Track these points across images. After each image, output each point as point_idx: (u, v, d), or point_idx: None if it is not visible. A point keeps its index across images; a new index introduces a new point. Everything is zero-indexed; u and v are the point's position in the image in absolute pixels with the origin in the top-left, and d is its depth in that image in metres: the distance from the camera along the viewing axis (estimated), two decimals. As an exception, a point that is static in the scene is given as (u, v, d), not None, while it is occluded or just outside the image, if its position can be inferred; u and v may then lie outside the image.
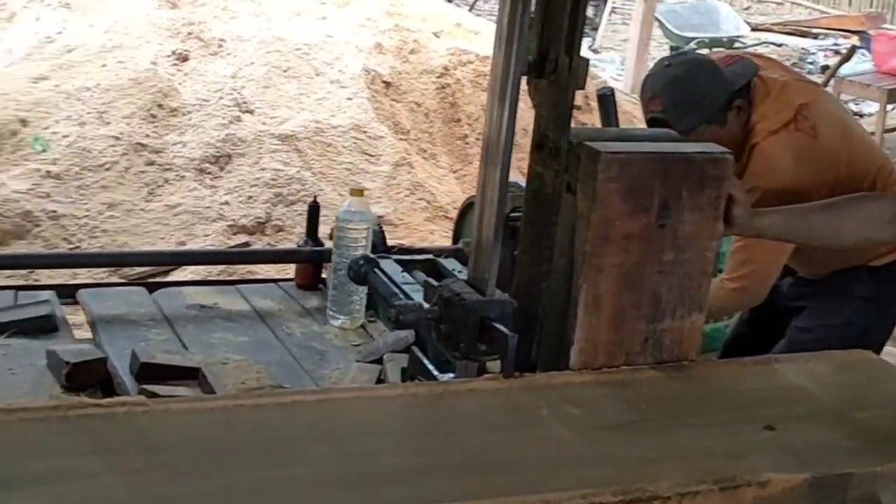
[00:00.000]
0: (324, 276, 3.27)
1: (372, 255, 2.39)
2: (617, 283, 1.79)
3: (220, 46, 6.54)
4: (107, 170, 5.44)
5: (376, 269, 2.16)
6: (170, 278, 4.30)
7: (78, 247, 4.89)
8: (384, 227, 3.28)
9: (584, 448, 1.55)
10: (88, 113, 5.72)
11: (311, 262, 3.30)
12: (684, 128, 2.54)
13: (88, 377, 2.48)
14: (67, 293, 3.11)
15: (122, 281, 3.49)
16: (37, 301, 2.93)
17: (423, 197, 5.95)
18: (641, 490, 1.43)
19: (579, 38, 1.79)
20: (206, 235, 5.21)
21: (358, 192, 3.05)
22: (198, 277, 4.02)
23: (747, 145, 2.73)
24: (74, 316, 3.10)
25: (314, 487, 1.37)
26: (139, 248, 4.93)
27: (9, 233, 4.86)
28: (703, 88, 2.71)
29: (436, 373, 2.17)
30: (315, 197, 3.55)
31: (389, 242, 3.18)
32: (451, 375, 2.07)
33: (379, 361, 2.71)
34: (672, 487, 1.44)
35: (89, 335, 2.90)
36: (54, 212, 5.05)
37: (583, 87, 1.82)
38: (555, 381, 1.76)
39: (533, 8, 1.76)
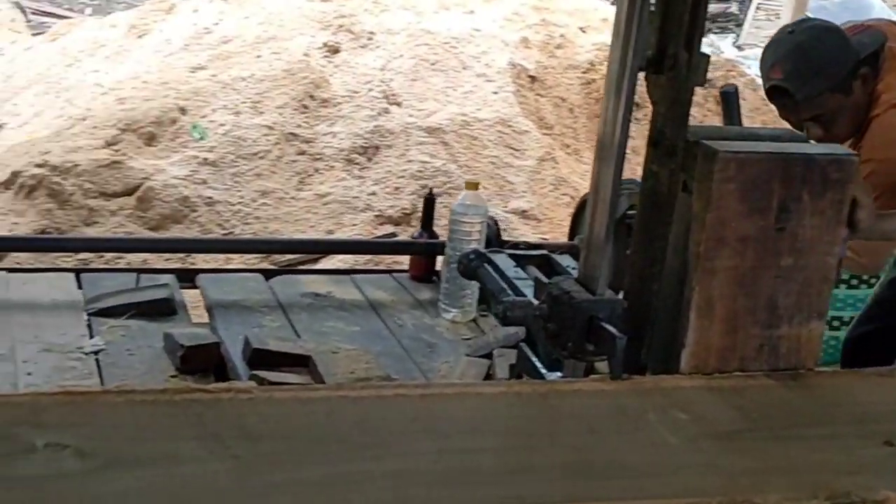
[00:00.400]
0: (438, 268, 3.27)
1: (483, 250, 2.37)
2: (731, 286, 1.74)
3: (370, 39, 6.64)
4: (260, 158, 5.58)
5: (486, 265, 2.14)
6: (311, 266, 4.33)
7: (231, 232, 5.02)
8: (528, 221, 3.26)
9: (690, 455, 1.50)
10: (243, 102, 5.89)
11: (425, 254, 3.30)
12: (805, 95, 2.45)
13: (202, 361, 2.53)
14: (187, 277, 3.18)
15: (240, 267, 3.55)
16: (157, 284, 3.00)
17: (566, 192, 5.91)
18: (748, 502, 1.38)
19: (700, 33, 1.74)
20: (354, 225, 5.29)
21: (473, 185, 3.04)
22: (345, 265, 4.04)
23: (868, 116, 2.63)
24: (193, 300, 3.17)
25: (411, 483, 1.36)
26: (289, 236, 5.02)
27: (168, 217, 5.04)
28: (828, 55, 2.61)
29: (543, 371, 2.14)
30: (431, 189, 3.55)
31: (531, 238, 3.15)
32: (559, 375, 2.04)
33: (489, 356, 2.69)
34: (780, 501, 1.39)
35: (206, 319, 2.95)
36: (210, 198, 5.21)
37: (703, 84, 1.77)
38: (664, 385, 1.71)
39: (653, 1, 1.72)
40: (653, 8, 1.74)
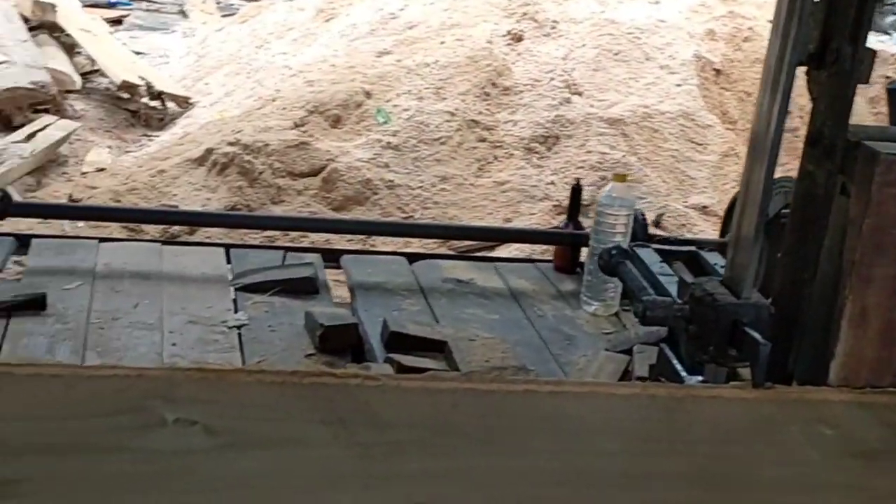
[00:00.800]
0: (582, 260, 3.21)
1: (625, 247, 2.31)
2: (888, 296, 1.64)
3: (553, 28, 6.62)
4: (441, 144, 5.62)
5: (627, 261, 2.09)
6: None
7: (411, 216, 5.09)
8: (708, 218, 3.17)
9: (831, 474, 1.42)
10: (426, 88, 5.95)
11: (569, 245, 3.25)
12: None
13: (340, 341, 2.55)
14: (332, 257, 3.21)
15: (384, 250, 3.57)
16: (302, 263, 3.04)
17: (749, 189, 5.75)
18: (892, 529, 1.29)
19: (866, 27, 1.64)
20: (532, 214, 5.27)
21: (620, 177, 2.97)
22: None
23: None
24: (337, 280, 3.20)
25: (533, 481, 1.32)
26: (468, 223, 5.05)
27: (350, 199, 5.14)
28: None
29: (683, 374, 2.07)
30: (578, 180, 3.50)
31: (712, 234, 3.06)
32: (700, 379, 1.97)
33: (628, 352, 2.62)
34: (929, 531, 1.30)
35: (348, 300, 2.98)
36: (391, 181, 5.28)
37: (866, 81, 1.67)
38: (810, 397, 1.63)
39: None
40: (816, 0, 1.65)
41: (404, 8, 6.90)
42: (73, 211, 3.85)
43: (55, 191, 5.19)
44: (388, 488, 1.28)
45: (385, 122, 5.65)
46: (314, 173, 5.25)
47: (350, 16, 7.10)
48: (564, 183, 5.38)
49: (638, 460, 1.42)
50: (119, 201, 4.78)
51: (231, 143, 5.23)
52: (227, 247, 3.23)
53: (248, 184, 5.10)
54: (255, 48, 7.31)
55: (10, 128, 5.78)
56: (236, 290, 2.86)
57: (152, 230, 4.12)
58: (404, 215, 5.13)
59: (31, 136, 5.61)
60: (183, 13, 8.67)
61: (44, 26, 6.90)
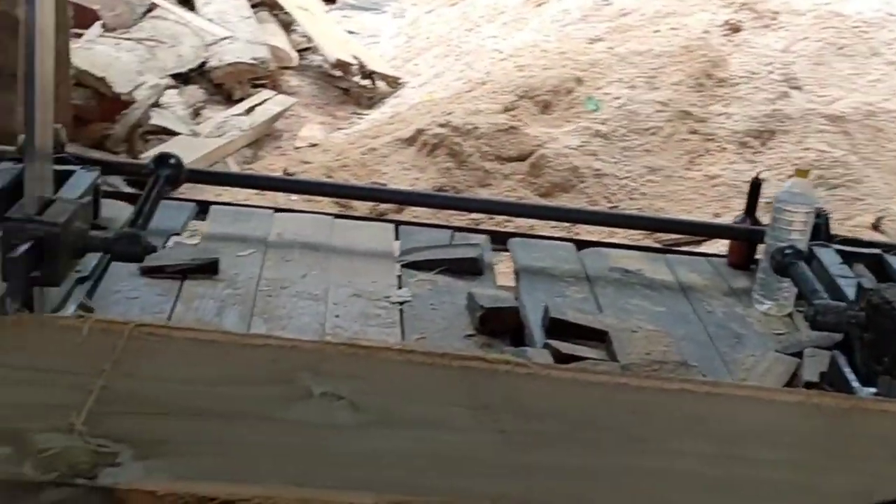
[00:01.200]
0: (758, 256, 3.09)
1: (801, 247, 2.20)
2: None
3: (773, 19, 6.44)
4: (651, 134, 5.56)
5: (801, 261, 1.99)
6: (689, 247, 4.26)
7: (617, 206, 5.06)
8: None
9: None
10: (638, 77, 5.89)
11: (745, 241, 3.13)
12: None
13: (500, 324, 2.53)
14: (500, 239, 3.19)
15: (553, 235, 3.53)
16: (469, 243, 3.03)
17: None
18: None
19: None
20: (742, 210, 5.15)
21: (802, 172, 2.84)
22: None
23: None
24: (503, 263, 3.19)
25: (681, 486, 1.27)
26: (678, 216, 4.96)
27: (557, 185, 5.16)
28: None
29: (855, 384, 1.96)
30: (758, 174, 3.36)
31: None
32: (872, 391, 1.86)
33: (799, 355, 2.51)
34: None
35: (512, 283, 2.95)
36: (599, 170, 5.27)
37: None
38: None
39: None
40: None
41: (619, -6, 6.80)
42: (245, 180, 3.91)
43: (270, 164, 5.38)
44: (526, 479, 1.26)
45: (595, 110, 5.61)
46: (522, 158, 5.27)
47: (562, 1, 7.07)
48: (778, 180, 5.19)
49: (795, 473, 1.35)
50: (331, 177, 4.92)
51: (441, 125, 5.30)
52: (397, 223, 3.26)
53: (457, 165, 5.16)
54: (465, 31, 7.36)
55: (231, 101, 6.05)
56: (402, 266, 2.88)
57: (361, 206, 4.17)
58: (610, 205, 5.07)
59: (250, 109, 5.86)
60: (394, -6, 8.79)
61: (264, 3, 7.18)
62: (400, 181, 4.93)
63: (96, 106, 5.15)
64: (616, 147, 5.43)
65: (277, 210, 3.22)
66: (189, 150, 5.09)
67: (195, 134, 5.50)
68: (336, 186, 4.17)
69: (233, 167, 5.29)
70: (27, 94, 1.82)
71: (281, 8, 7.20)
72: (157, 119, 5.41)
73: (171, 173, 2.67)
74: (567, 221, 3.93)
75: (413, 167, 5.16)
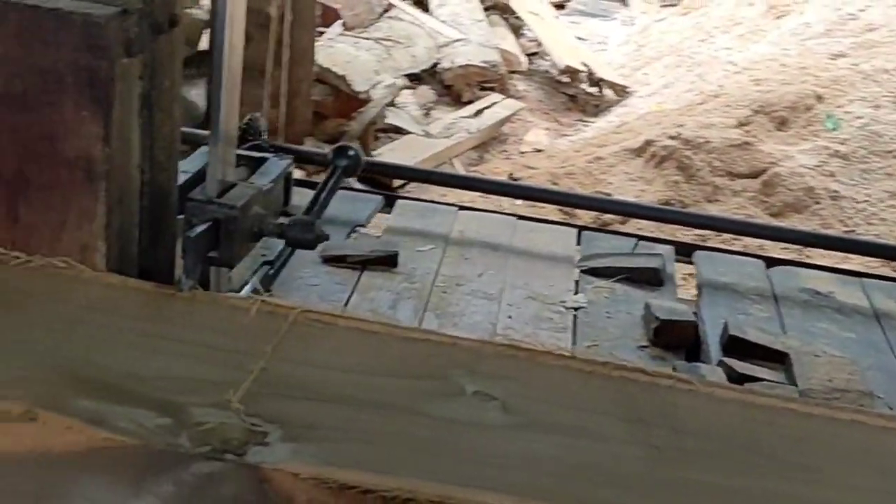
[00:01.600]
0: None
1: None
2: None
3: None
4: (895, 157, 5.33)
5: None
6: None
7: (853, 231, 4.87)
8: None
9: None
10: (884, 96, 5.64)
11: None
12: None
13: (676, 337, 2.47)
14: (685, 251, 3.11)
15: (741, 250, 3.41)
16: (652, 253, 2.97)
17: None
18: None
19: None
20: None
21: None
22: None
23: None
24: (686, 275, 3.11)
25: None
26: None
27: (789, 206, 5.00)
28: None
29: None
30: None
31: None
32: None
33: None
34: None
35: (693, 297, 2.88)
36: (836, 192, 5.07)
37: None
38: None
39: None
40: None
41: (865, 9, 6.49)
42: (423, 175, 3.89)
43: (495, 167, 5.41)
44: (673, 497, 1.21)
45: (834, 129, 5.38)
46: (754, 175, 5.10)
47: (804, 14, 6.81)
48: None
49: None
50: (556, 183, 4.90)
51: (672, 137, 5.19)
52: (580, 228, 3.23)
53: (685, 179, 5.04)
54: (697, 41, 7.19)
55: (459, 103, 6.14)
56: (580, 272, 2.84)
57: (584, 215, 4.12)
58: (846, 229, 4.85)
59: (478, 112, 5.95)
60: (623, 1, 8.71)
61: (496, 6, 7.27)
62: (625, 192, 4.84)
63: (334, 102, 5.32)
64: (856, 169, 5.16)
65: (462, 208, 3.24)
66: (417, 150, 5.21)
67: (427, 134, 5.58)
68: (559, 194, 4.11)
69: (459, 169, 5.34)
70: (213, 77, 1.89)
71: (512, 12, 7.26)
72: (391, 118, 5.54)
73: (349, 164, 2.74)
74: (798, 244, 3.77)
75: (639, 178, 5.06)
